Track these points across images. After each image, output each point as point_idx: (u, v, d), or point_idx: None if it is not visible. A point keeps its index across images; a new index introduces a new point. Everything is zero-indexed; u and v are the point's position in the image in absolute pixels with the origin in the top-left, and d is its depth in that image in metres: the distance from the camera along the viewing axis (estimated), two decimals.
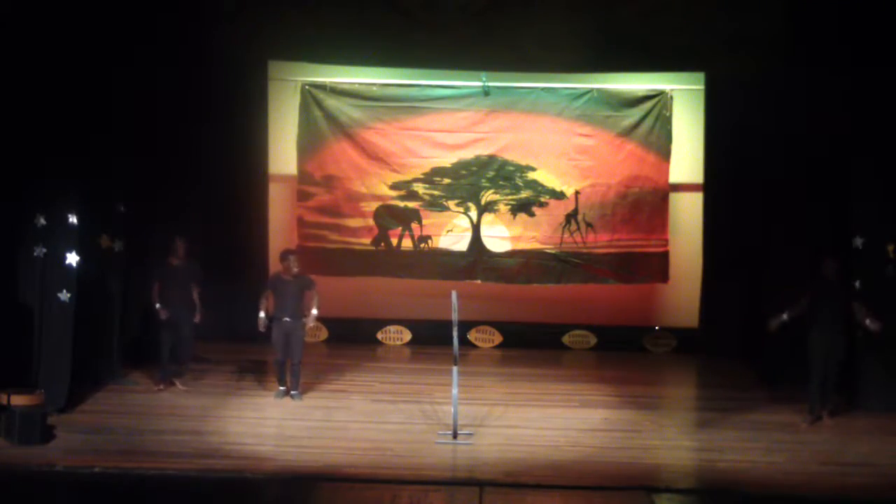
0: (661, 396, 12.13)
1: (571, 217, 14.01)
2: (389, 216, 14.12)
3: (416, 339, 14.31)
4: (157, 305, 11.08)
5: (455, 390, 9.63)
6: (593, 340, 14.34)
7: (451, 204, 14.12)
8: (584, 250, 13.98)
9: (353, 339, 14.15)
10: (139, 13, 11.24)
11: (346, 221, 14.10)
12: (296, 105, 13.96)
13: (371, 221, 14.12)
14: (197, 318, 11.24)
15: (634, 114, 13.91)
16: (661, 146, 13.90)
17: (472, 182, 14.07)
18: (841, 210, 11.20)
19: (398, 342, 14.39)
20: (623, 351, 13.97)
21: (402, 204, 14.09)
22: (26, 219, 9.99)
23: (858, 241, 10.89)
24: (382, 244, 14.13)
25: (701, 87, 13.78)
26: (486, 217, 14.12)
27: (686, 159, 14.00)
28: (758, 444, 9.67)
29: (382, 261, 14.09)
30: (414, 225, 14.13)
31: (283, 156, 14.08)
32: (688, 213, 14.06)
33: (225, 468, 8.66)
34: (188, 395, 11.12)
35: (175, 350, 11.27)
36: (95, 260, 10.81)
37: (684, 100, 13.98)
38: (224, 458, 8.91)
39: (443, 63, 13.50)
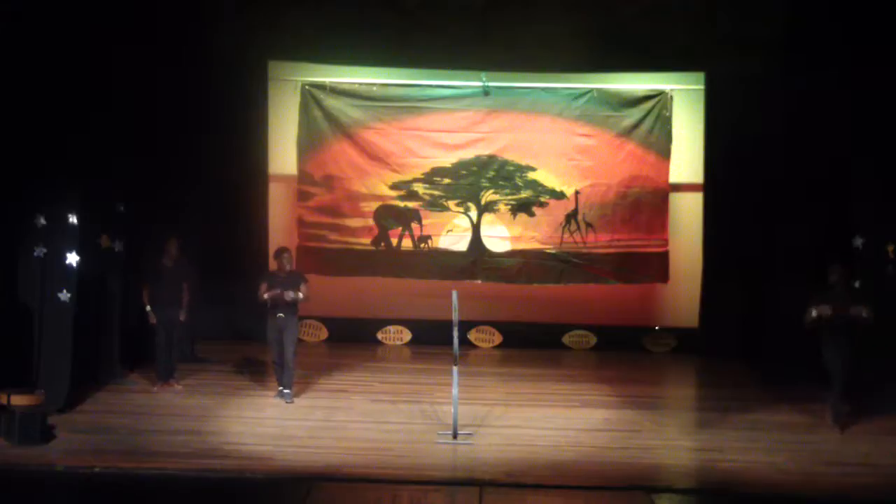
0: (661, 396, 12.14)
1: (571, 217, 14.01)
2: (389, 216, 14.12)
3: (416, 339, 14.31)
4: (147, 308, 11.12)
5: (455, 390, 9.63)
6: (593, 340, 14.34)
7: (451, 204, 14.12)
8: (584, 250, 13.98)
9: (353, 339, 14.15)
10: (139, 13, 11.24)
11: (346, 221, 14.10)
12: (296, 105, 13.96)
13: (371, 221, 14.12)
14: (182, 317, 11.22)
15: (634, 114, 13.91)
16: (661, 146, 13.90)
17: (472, 182, 14.07)
18: (841, 210, 11.19)
19: (398, 342, 14.39)
20: (623, 351, 13.96)
21: (402, 204, 14.09)
22: (26, 219, 9.99)
23: (858, 241, 10.89)
24: (382, 244, 14.13)
25: (701, 87, 13.78)
26: (486, 217, 14.12)
27: (686, 159, 14.00)
28: (758, 444, 9.66)
29: (382, 261, 14.09)
30: (414, 225, 14.13)
31: (283, 156, 14.09)
32: (688, 213, 14.05)
33: (225, 468, 8.65)
34: (188, 395, 11.12)
35: (170, 351, 11.26)
36: (95, 260, 10.81)
37: (684, 100, 13.97)
38: (224, 458, 8.90)
39: (443, 63, 13.50)
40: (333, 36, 12.63)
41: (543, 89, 13.95)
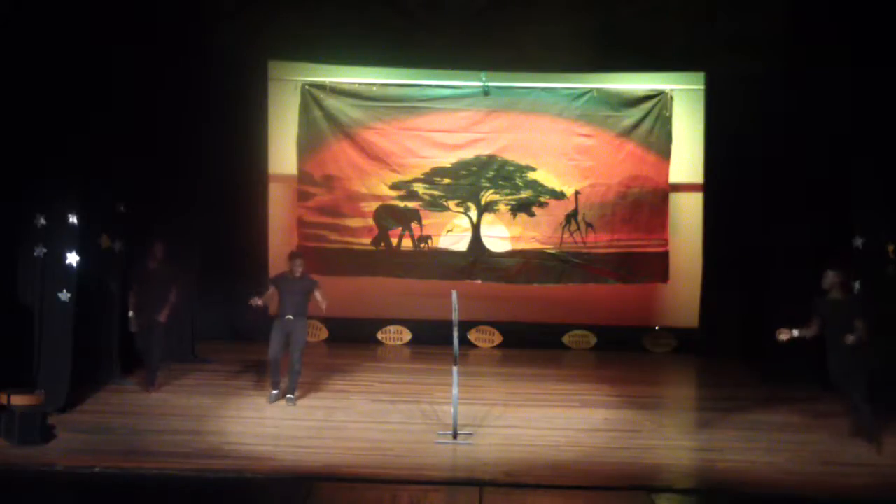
0: (661, 396, 12.14)
1: (571, 217, 14.02)
2: (389, 216, 14.12)
3: (416, 339, 14.32)
4: (130, 314, 11.07)
5: (455, 390, 9.62)
6: (593, 340, 14.35)
7: (451, 204, 14.13)
8: (584, 250, 13.99)
9: (353, 339, 14.16)
10: (139, 13, 11.23)
11: (346, 221, 14.11)
12: (296, 105, 13.97)
13: (371, 221, 14.12)
14: (162, 318, 11.12)
15: (634, 114, 13.92)
16: (661, 146, 13.91)
17: (472, 182, 14.08)
18: (841, 210, 11.19)
19: (398, 342, 14.39)
20: (623, 351, 13.97)
21: (402, 204, 14.10)
22: (26, 219, 9.99)
23: (858, 241, 10.88)
24: (382, 244, 14.14)
25: (701, 87, 13.80)
26: (486, 217, 14.13)
27: (686, 159, 14.01)
28: (758, 444, 9.66)
29: (382, 261, 14.10)
30: (414, 225, 14.13)
31: (283, 156, 14.09)
32: (688, 213, 14.06)
33: (225, 468, 8.64)
34: (188, 395, 11.11)
35: (152, 354, 11.17)
36: (95, 260, 10.80)
37: (684, 100, 13.99)
38: (224, 458, 8.90)
39: (443, 63, 13.49)
40: (333, 36, 12.61)
41: (543, 89, 13.97)
